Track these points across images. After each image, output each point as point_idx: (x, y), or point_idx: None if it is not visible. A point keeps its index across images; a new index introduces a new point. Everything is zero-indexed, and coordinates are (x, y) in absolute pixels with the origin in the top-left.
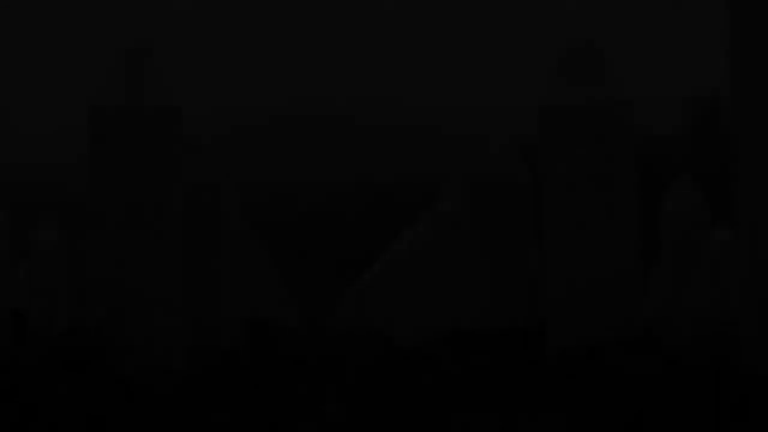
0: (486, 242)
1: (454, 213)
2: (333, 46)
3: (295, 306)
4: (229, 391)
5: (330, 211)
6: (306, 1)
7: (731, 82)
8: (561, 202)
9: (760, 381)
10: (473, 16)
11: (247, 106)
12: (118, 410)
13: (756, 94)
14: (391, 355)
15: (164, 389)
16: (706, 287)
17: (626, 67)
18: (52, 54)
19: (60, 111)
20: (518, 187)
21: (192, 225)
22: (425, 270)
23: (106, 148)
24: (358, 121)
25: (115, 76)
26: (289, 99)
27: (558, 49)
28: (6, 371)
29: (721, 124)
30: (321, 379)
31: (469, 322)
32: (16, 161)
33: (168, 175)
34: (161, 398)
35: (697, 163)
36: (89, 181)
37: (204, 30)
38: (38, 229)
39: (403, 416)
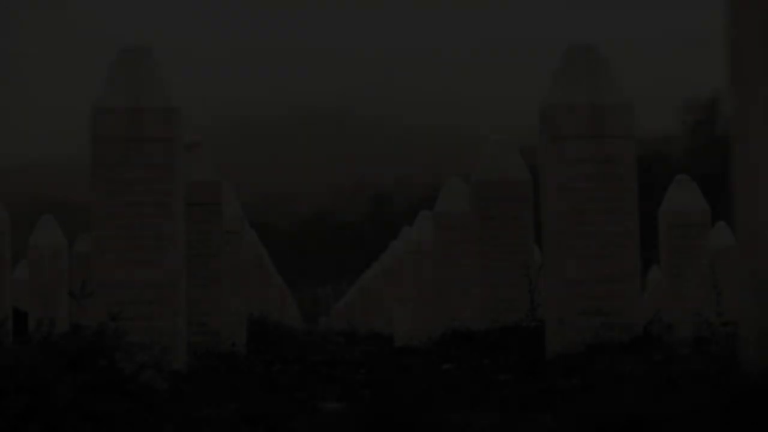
0: (486, 242)
1: (454, 213)
2: (333, 46)
3: (296, 306)
4: (228, 390)
5: (330, 212)
6: (309, 5)
7: (730, 82)
8: (560, 202)
9: (760, 381)
10: (474, 16)
11: (248, 107)
12: (118, 410)
13: (755, 95)
14: (390, 354)
15: (164, 389)
16: (705, 287)
17: (627, 68)
18: (52, 54)
19: (60, 111)
20: (518, 187)
21: (192, 225)
22: (425, 270)
23: (106, 148)
24: (358, 123)
25: (115, 76)
26: (290, 102)
27: (558, 49)
28: (6, 371)
29: (719, 125)
30: (321, 379)
31: (469, 322)
32: (16, 161)
33: (168, 174)
34: (161, 398)
35: (696, 163)
36: (90, 181)
37: (204, 29)
38: (38, 230)
39: (403, 415)
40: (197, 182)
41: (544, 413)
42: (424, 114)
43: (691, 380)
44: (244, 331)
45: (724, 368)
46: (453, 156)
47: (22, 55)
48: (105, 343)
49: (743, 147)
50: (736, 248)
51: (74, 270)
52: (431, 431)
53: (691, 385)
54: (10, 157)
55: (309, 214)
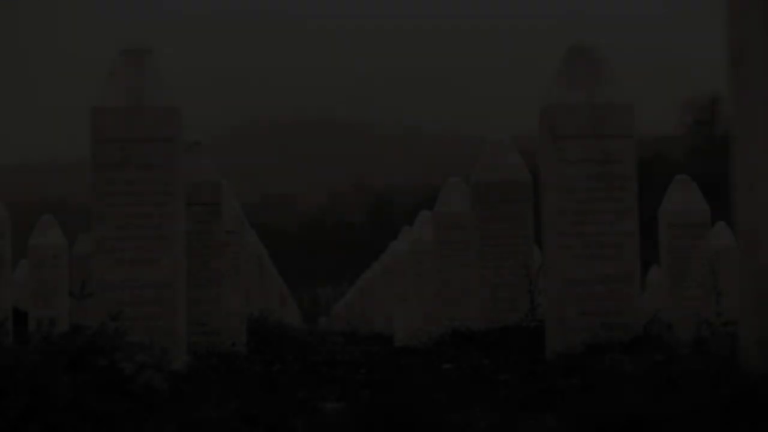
0: (486, 242)
1: (454, 213)
2: (332, 49)
3: (296, 306)
4: (228, 390)
5: (330, 212)
6: (308, 6)
7: (730, 82)
8: (560, 202)
9: (760, 381)
10: (474, 17)
11: (248, 107)
12: (118, 410)
13: (755, 95)
14: (390, 354)
15: (164, 389)
16: (705, 287)
17: (627, 68)
18: (52, 54)
19: (60, 111)
20: (518, 187)
21: (192, 225)
22: (425, 270)
23: (106, 148)
24: (358, 123)
25: (115, 76)
26: (290, 102)
27: (559, 50)
28: (6, 371)
29: (719, 125)
30: (321, 379)
31: (469, 322)
32: (17, 161)
33: (168, 174)
34: (161, 398)
35: (696, 163)
36: (90, 181)
37: (205, 30)
38: (38, 230)
39: (403, 415)
40: (197, 182)
41: (544, 413)
42: (424, 114)
43: (691, 380)
44: (244, 331)
45: (724, 368)
46: (453, 156)
47: (22, 54)
48: (105, 343)
49: (743, 147)
50: (736, 248)
51: (74, 270)
52: (431, 431)
53: (691, 385)
54: (10, 157)
55: (309, 214)
